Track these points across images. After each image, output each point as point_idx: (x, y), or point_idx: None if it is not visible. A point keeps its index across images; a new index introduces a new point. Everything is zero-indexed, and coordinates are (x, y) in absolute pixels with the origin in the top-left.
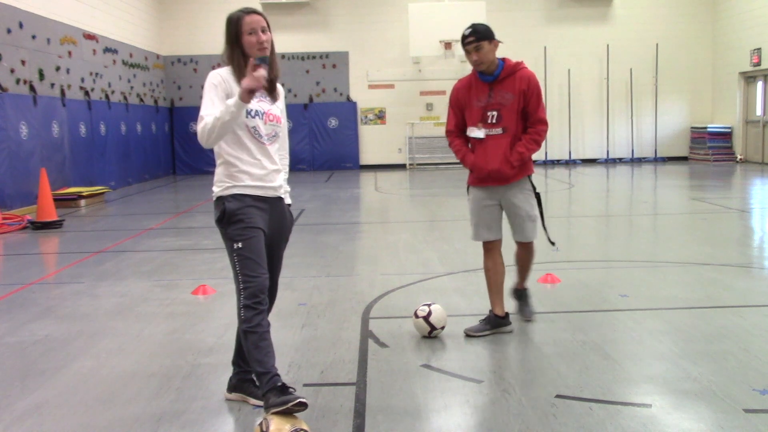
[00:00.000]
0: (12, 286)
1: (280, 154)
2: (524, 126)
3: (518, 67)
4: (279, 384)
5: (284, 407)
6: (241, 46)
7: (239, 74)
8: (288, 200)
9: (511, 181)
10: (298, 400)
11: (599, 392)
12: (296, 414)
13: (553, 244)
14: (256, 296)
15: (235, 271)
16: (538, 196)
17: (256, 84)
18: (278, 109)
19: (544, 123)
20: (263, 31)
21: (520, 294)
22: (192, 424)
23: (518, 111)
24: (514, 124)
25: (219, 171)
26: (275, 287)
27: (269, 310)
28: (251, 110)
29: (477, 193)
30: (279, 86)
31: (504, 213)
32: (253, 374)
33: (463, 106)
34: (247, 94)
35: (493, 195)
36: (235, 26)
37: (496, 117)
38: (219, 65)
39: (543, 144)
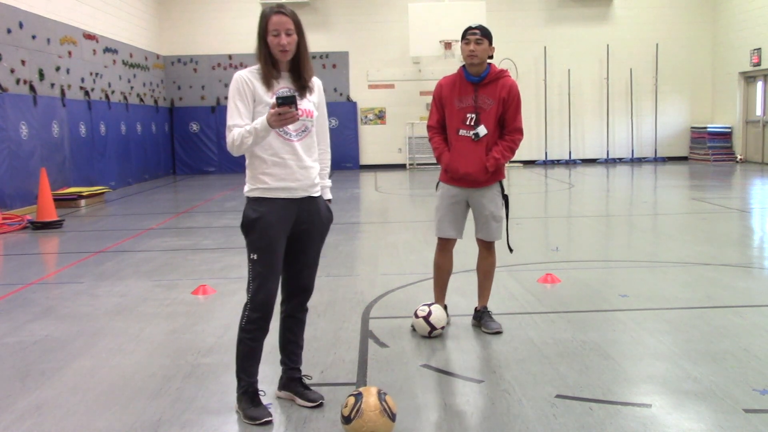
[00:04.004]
0: (12, 286)
1: (320, 148)
2: (500, 133)
3: (503, 74)
4: (252, 390)
5: (253, 423)
6: (266, 44)
7: (266, 72)
8: (327, 196)
9: (483, 186)
10: (264, 420)
11: (599, 392)
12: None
13: (511, 251)
14: (263, 309)
15: (248, 279)
16: (506, 198)
17: (283, 125)
18: (310, 102)
19: (521, 132)
20: (288, 34)
21: (482, 315)
22: (192, 424)
23: (496, 117)
24: (491, 130)
25: (247, 170)
26: (310, 285)
27: (303, 307)
28: None
29: (447, 190)
30: (316, 79)
31: (471, 212)
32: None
33: (445, 103)
34: (277, 123)
35: (463, 194)
36: (263, 24)
37: (475, 120)
38: (219, 65)
39: (543, 144)
